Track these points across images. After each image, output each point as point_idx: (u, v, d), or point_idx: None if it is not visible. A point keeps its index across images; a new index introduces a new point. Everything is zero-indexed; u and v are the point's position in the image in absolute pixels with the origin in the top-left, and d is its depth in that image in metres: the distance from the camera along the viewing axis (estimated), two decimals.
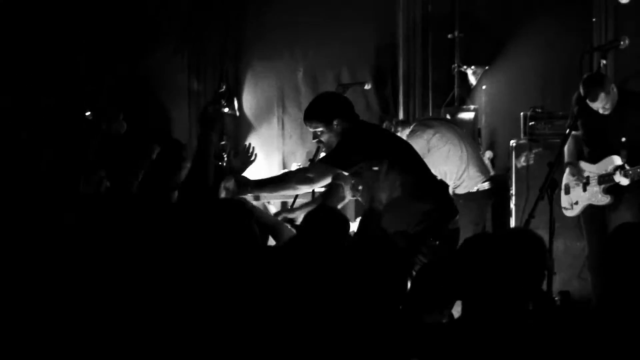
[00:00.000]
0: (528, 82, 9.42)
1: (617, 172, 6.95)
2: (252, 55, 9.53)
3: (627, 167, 6.92)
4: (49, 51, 8.75)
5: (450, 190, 7.67)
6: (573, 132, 7.03)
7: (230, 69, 9.56)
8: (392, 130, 7.72)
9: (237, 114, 9.43)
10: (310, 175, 5.90)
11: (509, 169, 8.52)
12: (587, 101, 6.84)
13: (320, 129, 5.93)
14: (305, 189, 6.03)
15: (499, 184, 7.97)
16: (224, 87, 9.32)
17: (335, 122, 5.89)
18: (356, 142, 5.86)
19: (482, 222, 7.71)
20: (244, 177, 5.86)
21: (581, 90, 6.86)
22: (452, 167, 7.64)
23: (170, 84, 9.43)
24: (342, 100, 6.13)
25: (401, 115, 9.72)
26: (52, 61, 8.76)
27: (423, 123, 7.92)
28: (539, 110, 8.61)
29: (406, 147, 6.14)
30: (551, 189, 5.66)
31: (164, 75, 9.39)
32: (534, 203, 5.66)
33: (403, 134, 7.64)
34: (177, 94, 9.47)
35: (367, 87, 8.75)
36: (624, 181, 6.94)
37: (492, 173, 7.95)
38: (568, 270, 7.93)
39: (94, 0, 9.07)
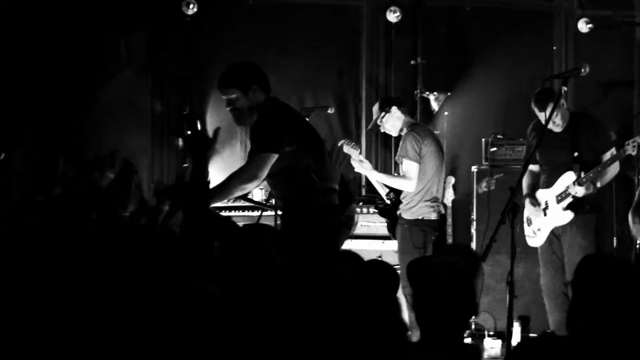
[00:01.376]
0: (489, 108, 9.51)
1: (572, 185, 7.06)
2: (215, 78, 9.48)
3: (581, 175, 7.03)
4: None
5: (401, 208, 7.73)
6: (530, 167, 7.17)
7: (194, 92, 9.54)
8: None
9: None
10: (253, 171, 5.89)
11: (470, 194, 8.59)
12: (536, 112, 7.02)
13: (236, 95, 6.04)
14: (253, 187, 6.05)
15: (443, 219, 7.97)
16: (188, 109, 9.31)
17: (252, 89, 6.00)
18: (278, 121, 6.01)
19: (425, 246, 7.70)
20: None
21: (532, 102, 7.03)
22: (425, 184, 7.67)
23: (133, 106, 9.40)
24: (258, 68, 6.23)
25: (364, 140, 9.77)
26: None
27: (429, 130, 8.00)
28: (500, 137, 8.72)
29: (311, 129, 6.27)
30: (513, 213, 5.72)
31: (127, 98, 9.36)
32: (495, 227, 5.72)
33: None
34: (140, 117, 9.44)
35: (331, 111, 8.80)
36: (580, 191, 7.04)
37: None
38: (528, 294, 7.98)
39: (56, 22, 9.04)
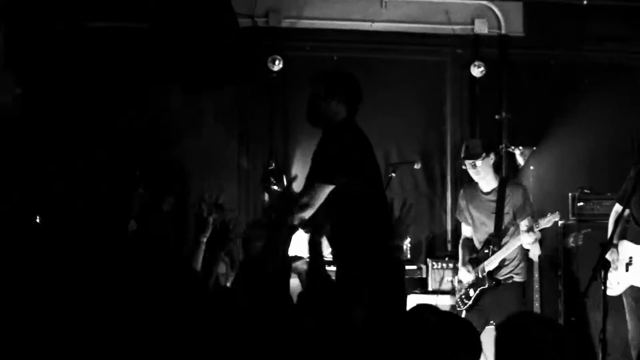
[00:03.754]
0: (575, 162, 9.43)
1: None
2: (300, 132, 9.59)
3: None
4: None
5: (512, 272, 7.62)
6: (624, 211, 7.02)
7: (279, 146, 9.63)
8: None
9: None
10: (305, 200, 5.66)
11: (557, 249, 8.50)
12: None
13: (319, 93, 5.87)
14: (309, 215, 5.69)
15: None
16: (273, 164, 9.38)
17: (336, 99, 5.84)
18: (344, 151, 5.71)
19: None
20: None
21: None
22: None
23: (220, 161, 9.52)
24: (356, 88, 6.00)
25: (449, 195, 9.74)
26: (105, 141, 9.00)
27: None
28: (587, 191, 8.63)
29: (378, 173, 6.06)
30: (604, 269, 5.64)
31: (214, 152, 9.50)
32: (586, 284, 5.64)
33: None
34: (227, 172, 9.55)
35: (417, 166, 8.79)
36: None
37: None
38: (616, 352, 7.84)
39: (148, 80, 9.27)
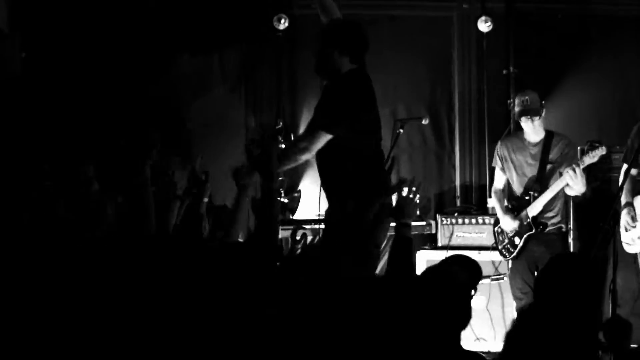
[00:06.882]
0: (584, 116, 9.40)
1: None
2: (307, 91, 9.58)
3: None
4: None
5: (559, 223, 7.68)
6: (631, 170, 7.01)
7: (287, 105, 9.62)
8: None
9: None
10: (305, 144, 5.83)
11: (567, 203, 8.48)
12: None
13: (325, 46, 5.90)
14: (306, 158, 5.95)
15: None
16: (281, 123, 9.37)
17: (339, 51, 5.85)
18: (347, 102, 5.80)
19: None
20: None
21: None
22: None
23: (227, 121, 9.52)
24: (357, 35, 6.01)
25: (457, 150, 9.74)
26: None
27: None
28: (596, 144, 8.58)
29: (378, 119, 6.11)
30: (614, 221, 5.65)
31: (222, 112, 9.49)
32: (598, 236, 5.64)
33: None
34: (234, 131, 9.55)
35: (425, 122, 8.74)
36: None
37: None
38: (626, 305, 7.83)
39: (152, 41, 9.24)
